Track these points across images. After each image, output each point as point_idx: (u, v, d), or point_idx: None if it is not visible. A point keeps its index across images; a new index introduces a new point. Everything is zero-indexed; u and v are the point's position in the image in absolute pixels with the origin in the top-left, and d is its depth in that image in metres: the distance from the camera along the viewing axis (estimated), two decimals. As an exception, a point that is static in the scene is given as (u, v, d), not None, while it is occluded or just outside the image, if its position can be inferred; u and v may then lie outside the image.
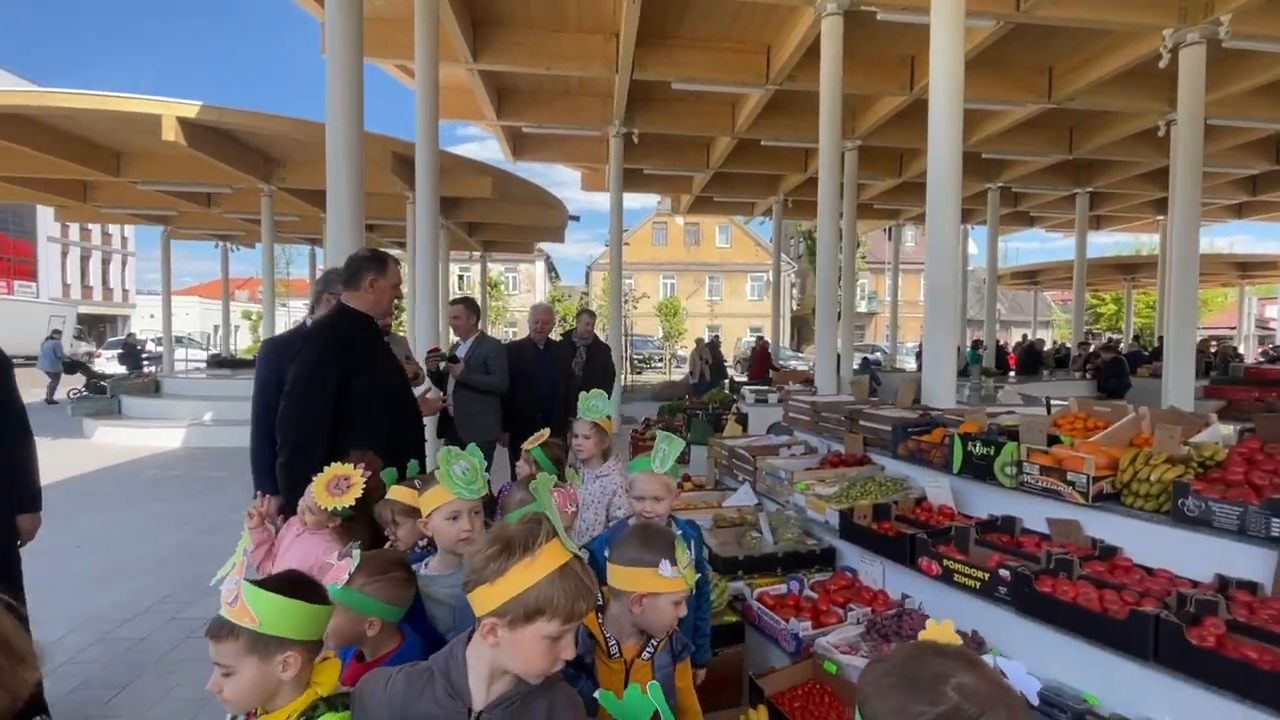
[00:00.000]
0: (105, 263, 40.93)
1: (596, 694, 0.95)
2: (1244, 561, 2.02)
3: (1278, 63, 8.53)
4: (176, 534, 5.30)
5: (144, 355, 19.38)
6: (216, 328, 26.93)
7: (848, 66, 7.31)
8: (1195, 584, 2.09)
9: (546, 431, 2.63)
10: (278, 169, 11.82)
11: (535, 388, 4.90)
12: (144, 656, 3.29)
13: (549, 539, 1.10)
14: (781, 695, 2.16)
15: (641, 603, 1.43)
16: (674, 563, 1.37)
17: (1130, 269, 24.28)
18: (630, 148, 11.61)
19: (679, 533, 2.06)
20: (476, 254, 22.03)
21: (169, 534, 5.30)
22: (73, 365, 15.60)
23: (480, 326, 4.76)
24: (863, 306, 39.70)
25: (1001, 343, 19.56)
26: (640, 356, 26.90)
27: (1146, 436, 2.65)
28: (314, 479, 1.96)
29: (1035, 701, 0.79)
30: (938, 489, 3.01)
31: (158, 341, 21.49)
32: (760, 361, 14.60)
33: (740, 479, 4.07)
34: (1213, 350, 17.03)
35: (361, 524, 2.04)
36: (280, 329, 7.12)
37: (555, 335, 5.63)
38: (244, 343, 29.58)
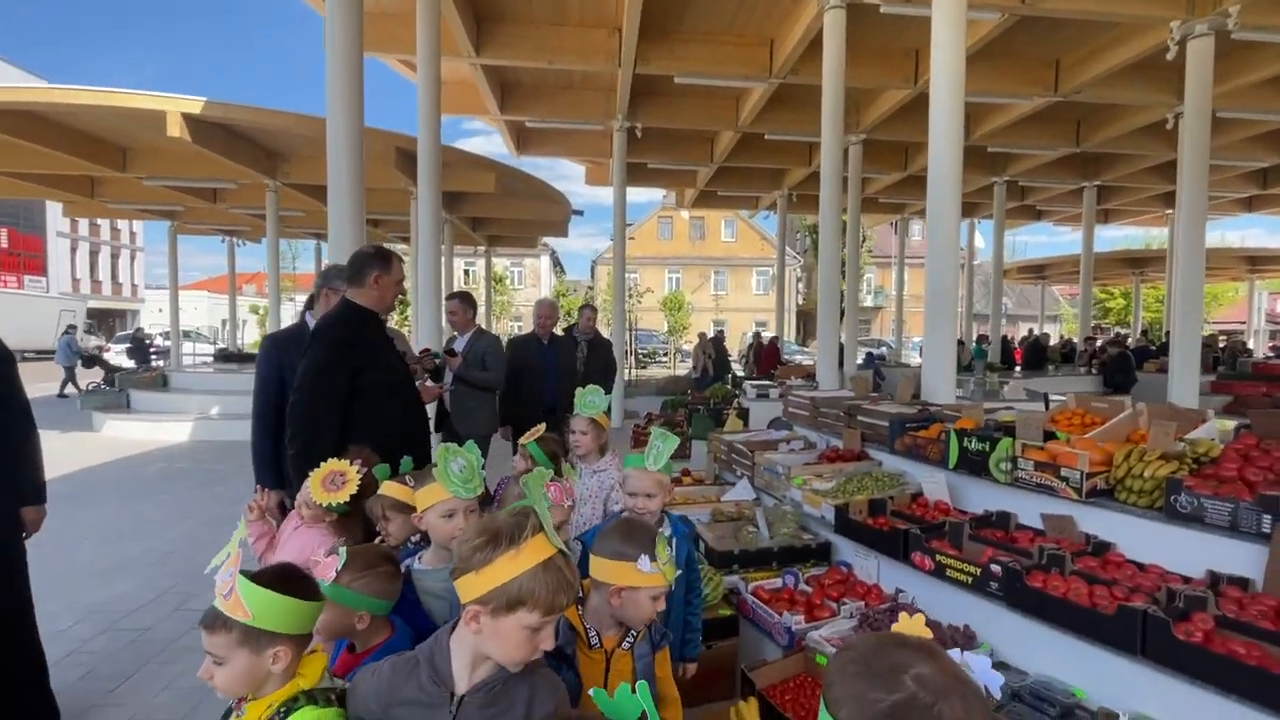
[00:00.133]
0: (114, 257, 41.20)
1: (590, 692, 0.98)
2: (1236, 558, 2.03)
3: (1288, 54, 8.44)
4: (182, 526, 5.37)
5: (152, 350, 19.55)
6: (224, 322, 27.12)
7: (851, 60, 7.26)
8: (1187, 580, 2.09)
9: (543, 427, 2.65)
10: (282, 164, 11.88)
11: (539, 382, 4.92)
12: (149, 646, 3.34)
13: (535, 533, 1.13)
14: (773, 688, 2.18)
15: (620, 595, 1.45)
16: (653, 558, 1.39)
17: (1139, 263, 24.08)
18: (634, 142, 11.59)
19: (668, 531, 2.09)
20: (481, 248, 22.07)
21: (175, 526, 5.37)
22: (90, 359, 15.83)
23: (479, 321, 4.78)
24: (868, 301, 39.53)
25: (1009, 337, 19.48)
26: (645, 351, 26.92)
27: (1143, 433, 2.64)
28: (310, 474, 1.99)
29: (997, 695, 0.80)
30: (934, 484, 3.02)
31: (165, 336, 21.65)
32: (769, 357, 14.74)
33: (739, 474, 4.09)
34: (1221, 345, 16.91)
35: (357, 518, 2.07)
36: (286, 323, 7.17)
37: (559, 330, 5.65)
38: (251, 337, 29.74)
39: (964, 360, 13.95)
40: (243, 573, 1.21)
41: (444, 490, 1.71)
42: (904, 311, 21.83)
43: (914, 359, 20.68)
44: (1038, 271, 26.90)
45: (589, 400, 2.76)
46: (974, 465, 2.82)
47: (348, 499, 1.93)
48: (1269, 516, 1.95)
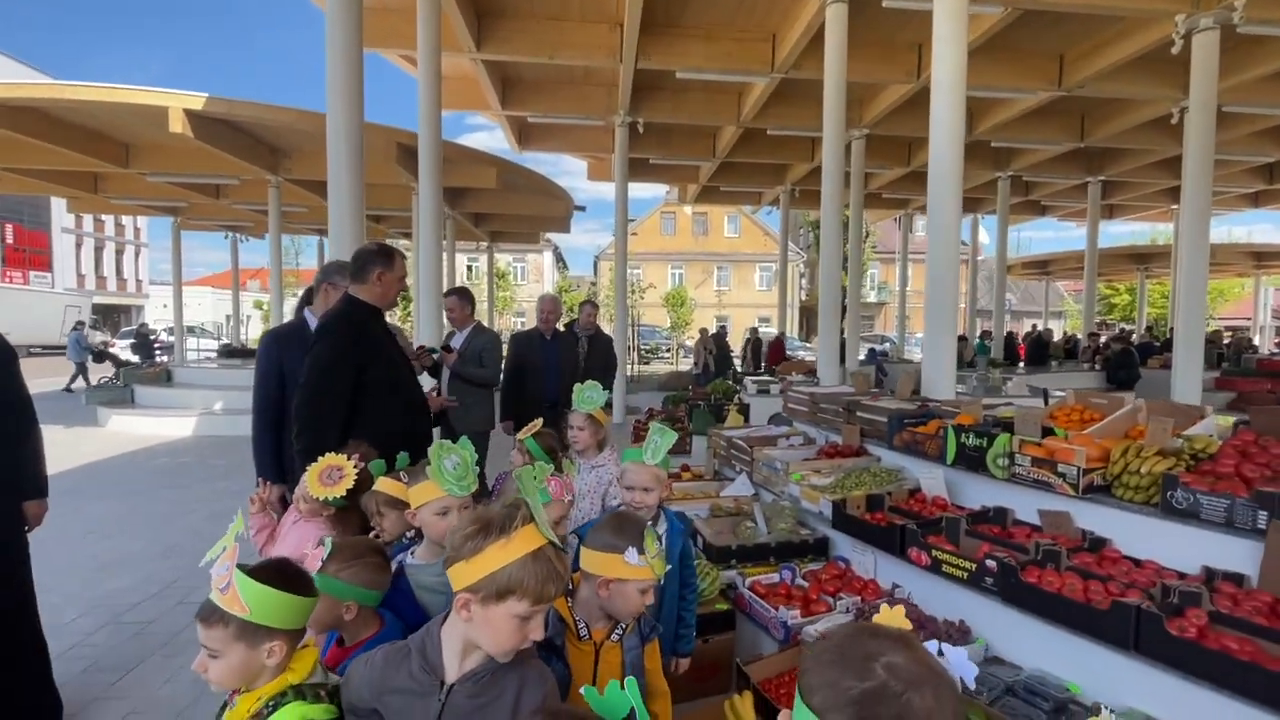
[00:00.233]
0: (119, 253, 41.35)
1: (581, 690, 1.00)
2: (1231, 553, 2.02)
3: (1295, 48, 8.37)
4: (186, 521, 5.40)
5: (156, 345, 19.65)
6: (228, 317, 27.21)
7: (854, 54, 7.24)
8: (1182, 576, 2.09)
9: (539, 422, 2.66)
10: (284, 160, 11.90)
11: (542, 377, 4.93)
12: (151, 640, 3.37)
13: (525, 524, 1.14)
14: (768, 681, 2.19)
15: (609, 587, 1.47)
16: (641, 551, 1.40)
17: (1144, 259, 23.95)
18: (635, 137, 11.56)
19: (664, 526, 2.10)
20: (484, 244, 22.08)
21: (179, 520, 5.40)
22: (101, 355, 15.94)
23: (479, 317, 4.78)
24: (872, 297, 39.43)
25: (1014, 334, 19.42)
26: (647, 347, 26.92)
27: (1142, 429, 2.64)
28: (308, 469, 2.01)
29: (971, 685, 0.81)
30: (931, 480, 3.02)
31: (170, 331, 21.75)
32: (774, 353, 14.89)
33: (738, 469, 4.10)
34: (1226, 341, 16.83)
35: (355, 513, 2.09)
36: (289, 319, 7.19)
37: (561, 325, 5.65)
38: (255, 333, 29.85)
39: (967, 356, 13.93)
40: (240, 567, 1.21)
41: (438, 488, 1.72)
42: (907, 307, 21.77)
43: (917, 355, 20.62)
44: (1042, 267, 26.78)
45: (586, 396, 2.77)
46: (972, 461, 2.81)
47: (344, 494, 1.94)
48: (1265, 513, 1.94)
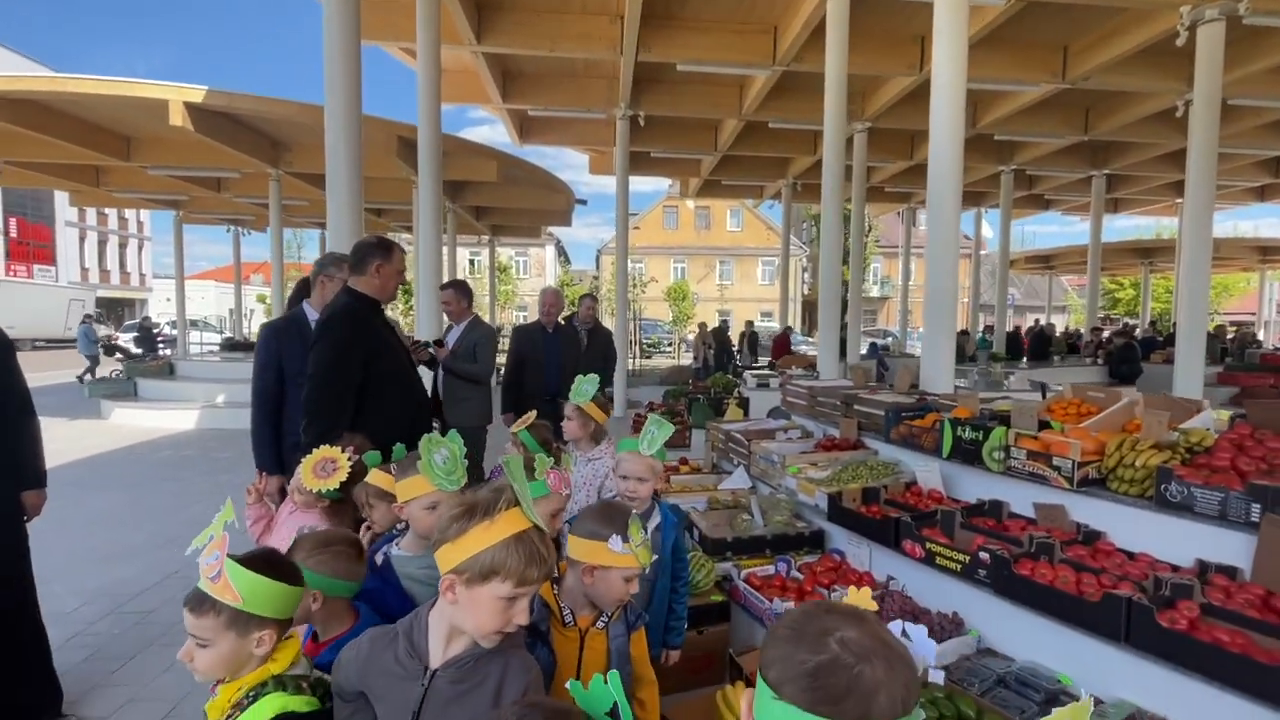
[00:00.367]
0: (122, 247, 41.42)
1: (567, 684, 1.01)
2: (1225, 546, 2.03)
3: (1301, 40, 8.30)
4: (187, 512, 5.43)
5: (159, 338, 19.70)
6: (231, 311, 27.27)
7: (856, 47, 7.19)
8: (1176, 568, 2.09)
9: (534, 414, 2.66)
10: (284, 153, 11.89)
11: (543, 371, 4.93)
12: (151, 629, 3.40)
13: (510, 507, 1.15)
14: (761, 673, 2.20)
15: (593, 574, 1.47)
16: (626, 539, 1.41)
17: (1148, 253, 23.84)
18: (637, 130, 11.53)
19: (658, 519, 2.10)
20: (486, 238, 22.06)
21: (180, 512, 5.43)
22: (111, 348, 16.01)
23: (481, 311, 4.77)
24: (874, 291, 39.34)
25: (1018, 328, 19.36)
26: (649, 341, 26.91)
27: (1139, 422, 2.63)
28: (303, 460, 2.01)
29: (932, 662, 0.82)
30: (928, 473, 3.02)
31: (172, 325, 21.79)
32: (779, 347, 14.98)
33: (736, 463, 4.10)
34: (1230, 336, 16.76)
35: (350, 505, 2.10)
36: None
37: (561, 319, 5.65)
38: (257, 326, 29.89)
39: (968, 350, 13.90)
40: (230, 556, 1.22)
41: (428, 483, 1.70)
42: (910, 302, 21.72)
43: (918, 349, 20.57)
44: (1045, 262, 26.66)
45: (581, 389, 2.77)
46: (968, 454, 2.81)
47: (338, 485, 1.95)
48: (1258, 506, 1.94)
